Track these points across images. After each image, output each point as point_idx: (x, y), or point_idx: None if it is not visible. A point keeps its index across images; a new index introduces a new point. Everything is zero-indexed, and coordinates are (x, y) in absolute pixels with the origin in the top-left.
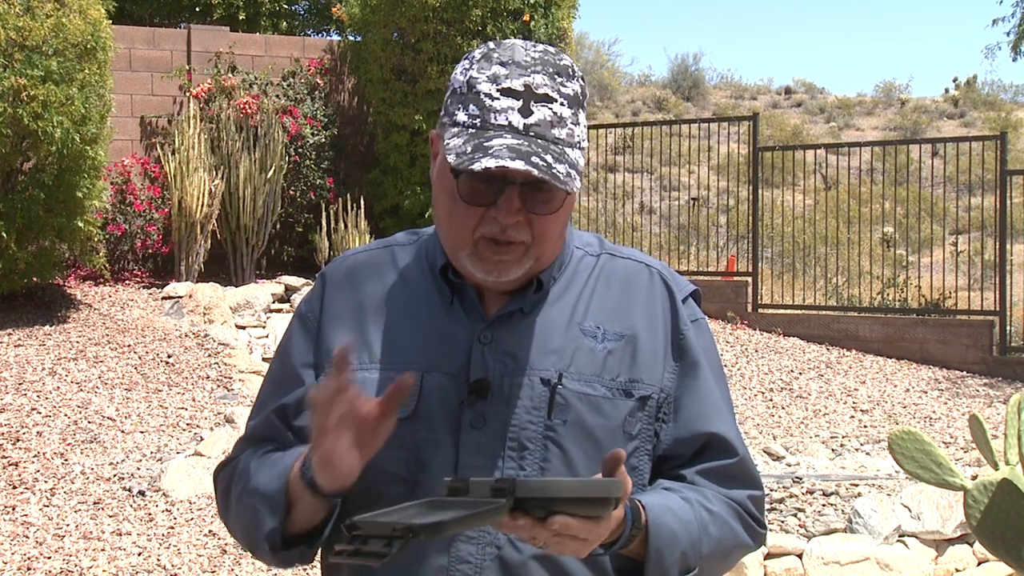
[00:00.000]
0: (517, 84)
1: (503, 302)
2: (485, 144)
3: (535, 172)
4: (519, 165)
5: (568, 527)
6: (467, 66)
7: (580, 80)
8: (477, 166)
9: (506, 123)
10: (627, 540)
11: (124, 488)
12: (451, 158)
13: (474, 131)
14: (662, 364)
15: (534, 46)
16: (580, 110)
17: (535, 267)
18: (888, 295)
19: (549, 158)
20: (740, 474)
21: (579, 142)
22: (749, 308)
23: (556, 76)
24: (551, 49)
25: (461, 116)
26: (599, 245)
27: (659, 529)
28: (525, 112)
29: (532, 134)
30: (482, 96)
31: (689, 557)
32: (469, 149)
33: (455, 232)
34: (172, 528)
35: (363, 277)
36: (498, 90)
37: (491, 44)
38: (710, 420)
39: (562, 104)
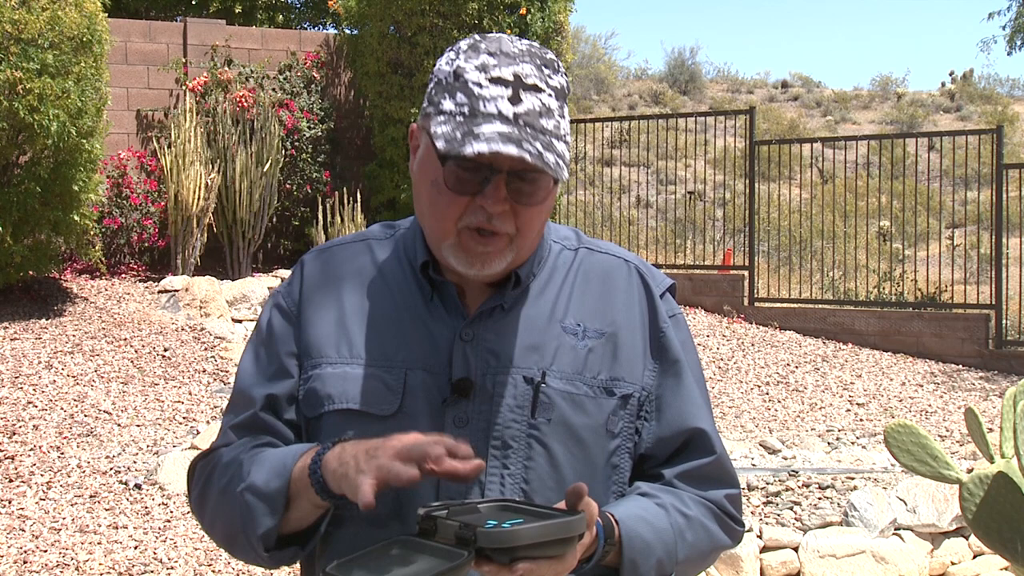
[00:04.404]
0: (506, 73)
1: (483, 299)
2: (475, 130)
3: (528, 158)
4: (511, 150)
5: (532, 571)
6: (453, 57)
7: (564, 75)
8: (469, 150)
9: (495, 111)
10: (601, 557)
11: (120, 482)
12: (440, 144)
13: (463, 119)
14: (642, 362)
15: (520, 39)
16: (565, 104)
17: (515, 260)
18: (884, 289)
19: (539, 146)
20: (717, 474)
21: (565, 135)
22: (745, 302)
23: (543, 68)
24: (535, 44)
25: (448, 104)
26: (576, 239)
27: (633, 541)
28: (515, 100)
29: (522, 122)
30: (471, 84)
31: (665, 564)
32: (459, 135)
33: (438, 222)
34: (168, 522)
35: (342, 270)
36: (487, 79)
37: (476, 36)
38: (692, 416)
39: (549, 95)
